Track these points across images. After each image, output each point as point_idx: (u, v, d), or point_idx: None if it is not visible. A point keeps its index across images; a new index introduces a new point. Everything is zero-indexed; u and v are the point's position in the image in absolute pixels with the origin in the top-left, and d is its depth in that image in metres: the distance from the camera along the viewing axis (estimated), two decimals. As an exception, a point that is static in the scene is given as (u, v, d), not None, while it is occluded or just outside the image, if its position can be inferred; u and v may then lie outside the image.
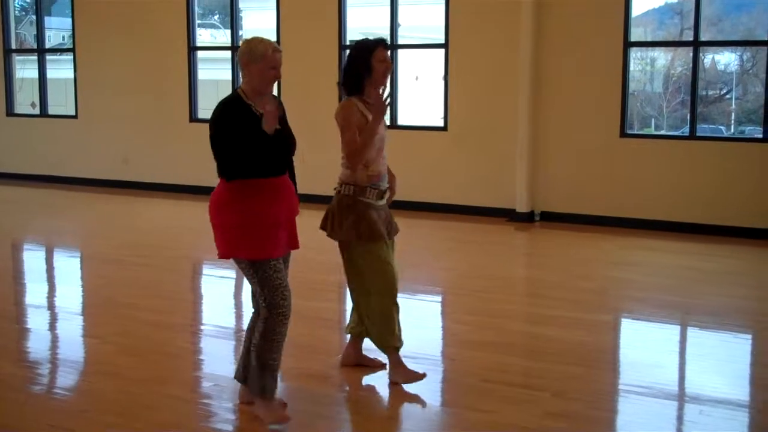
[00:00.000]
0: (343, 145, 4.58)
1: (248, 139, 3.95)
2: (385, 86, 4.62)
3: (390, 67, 4.68)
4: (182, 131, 12.08)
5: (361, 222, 4.60)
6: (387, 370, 4.83)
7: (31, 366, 5.16)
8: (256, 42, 4.02)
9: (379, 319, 4.71)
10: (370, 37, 4.75)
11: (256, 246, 4.01)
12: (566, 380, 4.80)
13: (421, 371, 4.74)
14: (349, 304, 6.85)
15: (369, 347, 4.92)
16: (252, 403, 4.31)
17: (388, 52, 4.69)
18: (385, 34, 10.64)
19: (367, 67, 4.59)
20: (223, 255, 4.10)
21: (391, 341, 4.73)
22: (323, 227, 4.75)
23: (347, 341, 5.03)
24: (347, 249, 4.70)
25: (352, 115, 4.57)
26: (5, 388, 4.69)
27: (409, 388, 4.70)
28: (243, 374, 4.34)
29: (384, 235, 4.66)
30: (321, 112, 10.92)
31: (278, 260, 4.08)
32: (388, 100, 4.59)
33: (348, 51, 4.68)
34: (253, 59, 3.98)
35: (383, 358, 4.88)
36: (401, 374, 4.74)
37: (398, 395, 4.71)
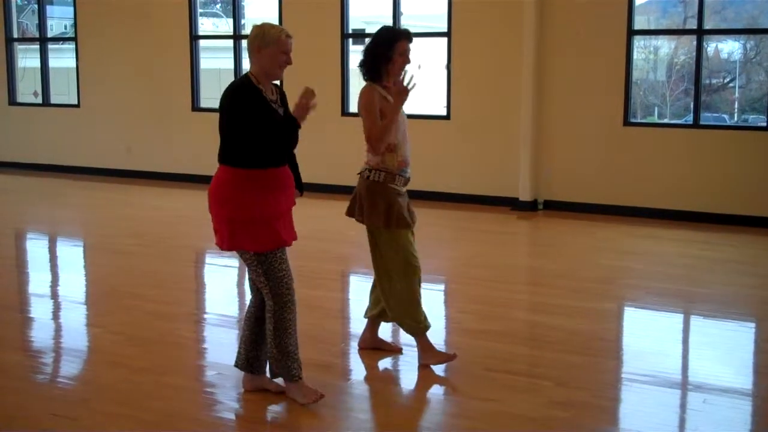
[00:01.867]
0: (365, 129, 4.60)
1: (259, 126, 3.94)
2: (406, 72, 4.64)
3: (408, 62, 4.66)
4: (184, 120, 12.07)
5: (392, 209, 4.62)
6: (417, 356, 4.87)
7: (34, 355, 5.17)
8: (269, 26, 4.03)
9: (406, 306, 4.74)
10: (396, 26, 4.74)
11: (262, 239, 4.02)
12: (570, 369, 4.80)
13: (451, 352, 4.85)
14: (352, 293, 6.89)
15: (386, 331, 4.99)
16: (255, 391, 4.35)
17: (411, 45, 4.67)
18: (387, 22, 10.62)
19: (386, 56, 4.59)
20: (229, 248, 4.09)
21: (417, 328, 4.78)
22: (350, 213, 4.78)
23: (365, 325, 5.09)
24: (374, 234, 4.72)
25: (373, 101, 4.59)
26: (8, 377, 4.69)
27: (412, 377, 4.71)
28: (244, 362, 4.33)
29: (410, 223, 4.71)
30: (323, 102, 10.92)
31: (284, 251, 4.11)
32: (412, 85, 4.58)
33: (373, 35, 4.66)
34: (266, 43, 3.98)
35: (400, 342, 5.04)
36: (432, 356, 4.81)
37: (402, 384, 4.72)
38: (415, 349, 4.87)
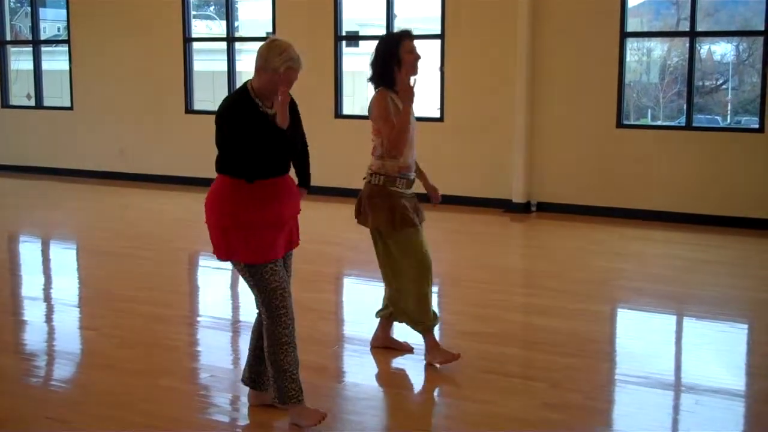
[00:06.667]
0: (385, 136, 4.63)
1: (254, 138, 3.85)
2: (416, 75, 4.67)
3: (419, 58, 4.68)
4: (178, 123, 12.06)
5: (395, 211, 4.67)
6: (423, 354, 4.93)
7: (28, 358, 5.16)
8: (276, 53, 3.87)
9: (414, 304, 4.82)
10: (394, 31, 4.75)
11: (254, 249, 3.91)
12: (563, 371, 4.81)
13: (456, 352, 4.87)
14: (346, 296, 6.90)
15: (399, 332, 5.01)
16: (263, 406, 4.25)
17: (415, 43, 4.69)
18: (381, 24, 10.64)
19: (396, 59, 4.61)
20: (225, 257, 4.01)
21: (425, 320, 4.86)
22: (357, 215, 4.85)
23: (378, 324, 5.15)
24: (381, 237, 4.78)
25: (387, 106, 4.63)
26: (2, 380, 4.68)
27: (405, 379, 4.72)
28: (248, 377, 4.24)
29: (416, 221, 4.75)
30: (316, 105, 10.92)
31: (276, 263, 3.98)
32: (413, 81, 4.63)
33: (375, 46, 4.67)
34: (265, 68, 3.87)
35: (412, 341, 5.08)
36: (437, 355, 4.87)
37: (395, 386, 4.73)
38: (415, 351, 4.89)
